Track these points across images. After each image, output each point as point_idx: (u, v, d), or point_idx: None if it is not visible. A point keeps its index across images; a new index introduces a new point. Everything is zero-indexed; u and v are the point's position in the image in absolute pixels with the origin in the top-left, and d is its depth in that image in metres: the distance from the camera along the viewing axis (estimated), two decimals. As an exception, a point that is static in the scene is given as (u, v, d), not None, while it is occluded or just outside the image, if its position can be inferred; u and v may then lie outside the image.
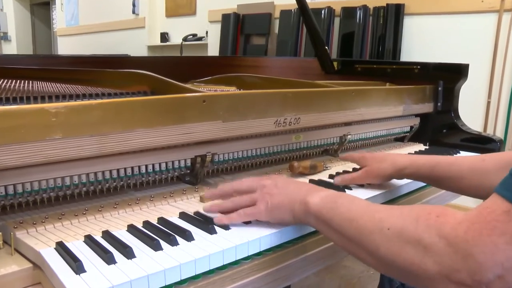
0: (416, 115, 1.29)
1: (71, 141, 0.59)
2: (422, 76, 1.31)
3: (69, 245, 0.54)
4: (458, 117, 1.30)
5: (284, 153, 0.95)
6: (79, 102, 0.61)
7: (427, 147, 1.27)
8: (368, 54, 2.90)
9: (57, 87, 0.94)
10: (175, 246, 0.55)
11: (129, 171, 0.71)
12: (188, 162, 0.77)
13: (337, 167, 0.98)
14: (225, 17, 3.71)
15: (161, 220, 0.63)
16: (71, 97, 0.82)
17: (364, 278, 1.94)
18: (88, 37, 5.52)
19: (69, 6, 5.83)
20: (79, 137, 0.60)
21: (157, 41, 4.63)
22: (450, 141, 1.28)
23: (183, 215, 0.65)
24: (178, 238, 0.56)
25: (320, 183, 0.85)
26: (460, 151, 1.21)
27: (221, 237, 0.58)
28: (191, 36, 4.20)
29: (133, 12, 4.76)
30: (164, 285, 0.50)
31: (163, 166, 0.75)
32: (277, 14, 3.42)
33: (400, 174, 0.82)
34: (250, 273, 0.58)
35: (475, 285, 0.41)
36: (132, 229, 0.60)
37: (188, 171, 0.80)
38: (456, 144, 1.26)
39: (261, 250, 0.60)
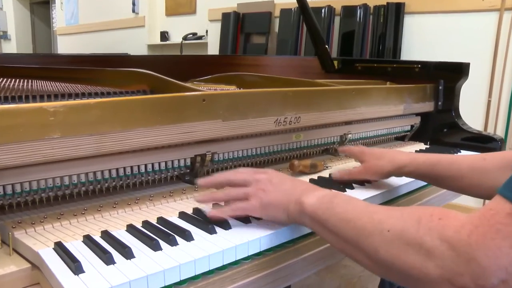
0: (417, 114, 1.29)
1: (70, 141, 0.58)
2: (422, 75, 1.31)
3: (67, 245, 0.53)
4: (459, 116, 1.30)
5: (285, 152, 0.95)
6: (77, 101, 0.60)
7: (427, 146, 1.27)
8: (369, 53, 2.90)
9: (56, 86, 0.94)
10: (174, 246, 0.55)
11: (128, 170, 0.70)
12: (188, 162, 0.77)
13: (337, 166, 0.98)
14: (225, 16, 3.71)
15: (161, 220, 0.63)
16: (70, 96, 0.82)
17: (364, 278, 1.93)
18: (88, 36, 5.51)
19: (69, 5, 5.83)
20: (78, 137, 0.59)
21: (157, 40, 4.63)
22: (451, 140, 1.27)
23: (183, 215, 0.65)
24: (178, 238, 0.56)
25: (320, 179, 0.85)
26: (461, 150, 1.20)
27: (221, 237, 0.58)
28: (191, 35, 4.20)
29: (133, 11, 4.75)
30: (163, 285, 0.49)
31: (163, 165, 0.74)
32: (277, 12, 3.42)
33: (399, 172, 0.81)
34: (250, 273, 0.58)
35: None
36: (131, 229, 0.59)
37: (188, 171, 0.79)
38: (456, 143, 1.25)
39: (261, 250, 0.59)
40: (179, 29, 4.40)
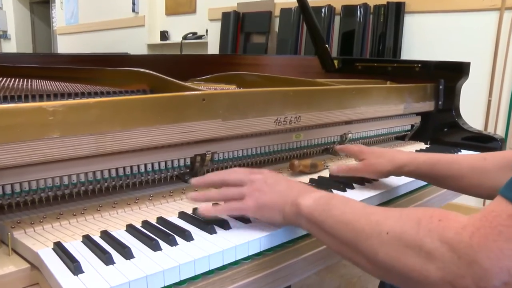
0: (417, 114, 1.29)
1: (69, 140, 0.58)
2: (423, 74, 1.30)
3: (67, 245, 0.53)
4: (459, 115, 1.29)
5: (285, 152, 0.95)
6: (77, 101, 0.60)
7: (428, 146, 1.26)
8: (369, 53, 2.90)
9: (56, 86, 0.94)
10: (174, 246, 0.54)
11: (128, 170, 0.70)
12: (188, 161, 0.77)
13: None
14: (225, 15, 3.70)
15: (160, 219, 0.63)
16: (70, 95, 0.82)
17: (364, 278, 1.93)
18: (87, 36, 5.51)
19: (69, 5, 5.82)
20: (77, 136, 0.59)
21: (157, 40, 4.63)
22: (451, 139, 1.27)
23: (183, 215, 0.65)
24: (178, 238, 0.56)
25: (320, 179, 0.85)
26: (461, 150, 1.20)
27: (220, 237, 0.58)
28: (191, 35, 4.19)
29: (133, 10, 4.75)
30: (163, 286, 0.49)
31: (162, 165, 0.74)
32: (277, 12, 3.41)
33: (399, 171, 0.81)
34: (250, 273, 0.58)
35: None
36: (131, 229, 0.59)
37: (188, 170, 0.79)
38: (457, 143, 1.25)
39: (261, 250, 0.59)
40: (179, 28, 4.40)
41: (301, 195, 0.59)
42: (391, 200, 0.86)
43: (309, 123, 0.94)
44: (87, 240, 0.55)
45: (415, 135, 1.32)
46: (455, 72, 1.28)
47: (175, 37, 4.44)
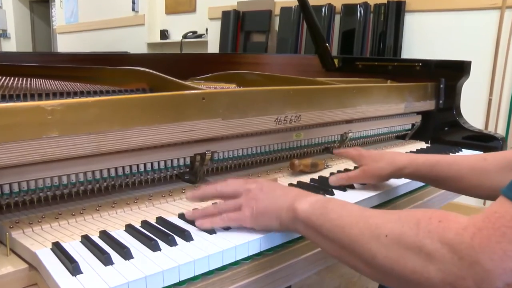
0: (418, 113, 1.29)
1: (68, 139, 0.58)
2: (423, 73, 1.30)
3: (65, 245, 0.53)
4: (460, 114, 1.29)
5: (285, 151, 0.94)
6: (75, 100, 0.60)
7: (428, 145, 1.26)
8: (369, 51, 2.89)
9: (56, 85, 0.93)
10: (173, 247, 0.54)
11: (127, 169, 0.70)
12: (188, 160, 0.76)
13: (338, 165, 0.97)
14: (225, 14, 3.69)
15: (160, 219, 0.62)
16: (69, 94, 0.81)
17: (364, 277, 1.93)
18: (87, 35, 5.50)
19: (69, 4, 5.81)
20: (76, 135, 0.59)
21: (156, 39, 4.62)
22: (452, 139, 1.27)
23: (182, 215, 0.64)
24: (177, 238, 0.56)
25: (320, 178, 0.84)
26: (462, 149, 1.20)
27: (220, 237, 0.57)
28: (191, 34, 4.19)
29: (133, 9, 4.74)
30: (162, 286, 0.49)
31: (162, 164, 0.73)
32: (277, 11, 3.41)
33: (399, 173, 0.80)
34: (250, 273, 0.58)
35: None
36: (130, 229, 0.59)
37: (188, 170, 0.79)
38: (458, 142, 1.25)
39: (261, 250, 0.59)
40: (179, 27, 4.39)
41: (297, 199, 0.58)
42: (391, 200, 0.86)
43: (310, 122, 0.93)
44: (86, 240, 0.54)
45: (416, 134, 1.32)
46: (456, 71, 1.27)
47: (175, 36, 4.43)
